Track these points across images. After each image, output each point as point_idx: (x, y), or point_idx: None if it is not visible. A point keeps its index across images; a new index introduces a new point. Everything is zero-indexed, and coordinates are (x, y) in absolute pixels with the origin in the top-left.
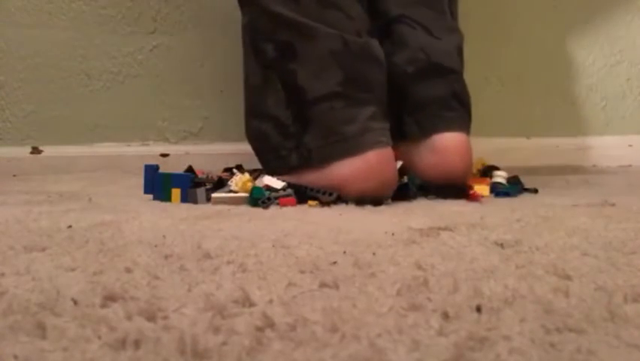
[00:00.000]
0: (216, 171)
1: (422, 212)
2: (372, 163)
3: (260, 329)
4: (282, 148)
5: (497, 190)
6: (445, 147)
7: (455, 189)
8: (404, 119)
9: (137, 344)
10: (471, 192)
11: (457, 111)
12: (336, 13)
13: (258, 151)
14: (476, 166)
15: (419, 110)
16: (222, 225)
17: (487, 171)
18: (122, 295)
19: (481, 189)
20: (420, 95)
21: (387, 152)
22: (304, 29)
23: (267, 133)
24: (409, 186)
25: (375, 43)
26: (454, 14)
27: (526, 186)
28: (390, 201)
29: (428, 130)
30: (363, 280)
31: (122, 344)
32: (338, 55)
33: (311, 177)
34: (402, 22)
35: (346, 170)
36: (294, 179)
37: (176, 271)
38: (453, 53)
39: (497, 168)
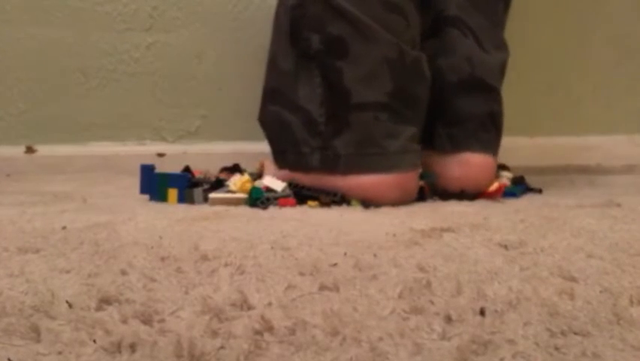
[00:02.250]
0: (214, 170)
1: (424, 213)
2: (402, 183)
3: (258, 333)
4: (305, 145)
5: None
6: (472, 164)
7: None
8: (437, 130)
9: (132, 347)
10: (491, 190)
11: (490, 133)
12: (398, 18)
13: (274, 140)
14: None
15: (454, 124)
16: (220, 226)
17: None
18: (118, 297)
19: (494, 186)
20: (458, 108)
21: (417, 173)
22: (363, 29)
23: (290, 124)
24: (424, 188)
25: (424, 59)
26: (504, 27)
27: (531, 186)
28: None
29: (460, 147)
30: (364, 283)
31: (117, 347)
32: (392, 64)
33: (328, 181)
34: (455, 26)
35: (373, 183)
36: (307, 179)
37: (172, 273)
38: (496, 70)
39: (506, 167)
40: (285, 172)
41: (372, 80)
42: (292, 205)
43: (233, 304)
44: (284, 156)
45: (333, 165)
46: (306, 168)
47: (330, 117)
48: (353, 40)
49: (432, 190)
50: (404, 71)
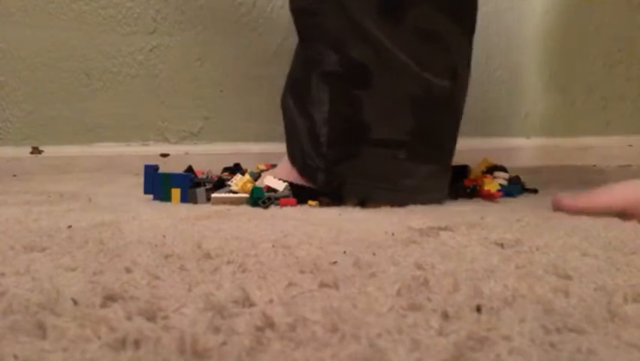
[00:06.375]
0: (216, 171)
1: (422, 212)
2: None
3: (260, 329)
4: (310, 159)
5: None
6: None
7: (468, 189)
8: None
9: (137, 344)
10: (485, 190)
11: None
12: (435, 47)
13: (287, 135)
14: (481, 167)
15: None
16: (222, 225)
17: (491, 171)
18: (122, 295)
19: (492, 186)
20: None
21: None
22: (389, 59)
23: (299, 128)
24: None
25: (459, 88)
26: None
27: (527, 187)
28: None
29: None
30: (363, 280)
31: (122, 344)
32: (418, 102)
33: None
34: None
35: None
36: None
37: (176, 271)
38: None
39: (503, 169)
40: (296, 174)
41: (394, 117)
42: (293, 205)
43: (235, 302)
44: (294, 157)
45: (337, 188)
46: (313, 181)
47: (337, 142)
48: (377, 70)
49: None
50: (431, 109)
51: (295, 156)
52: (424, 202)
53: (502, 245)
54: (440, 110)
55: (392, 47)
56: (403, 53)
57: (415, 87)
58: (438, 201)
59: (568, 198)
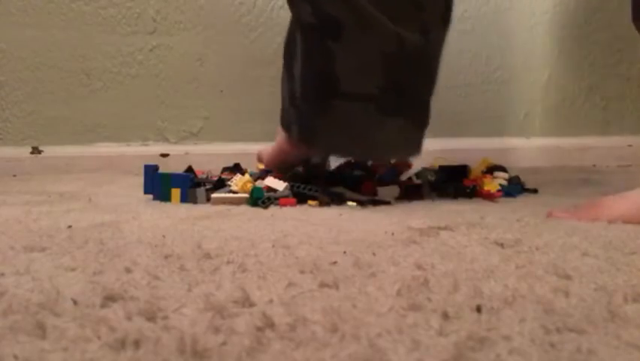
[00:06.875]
0: (216, 171)
1: (422, 212)
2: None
3: (260, 329)
4: (288, 113)
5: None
6: None
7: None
8: None
9: (136, 344)
10: (485, 190)
11: None
12: (407, 4)
13: (282, 94)
14: (481, 167)
15: None
16: (222, 225)
17: (491, 171)
18: (122, 295)
19: (492, 186)
20: None
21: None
22: (362, 16)
23: (284, 89)
24: (423, 187)
25: (437, 41)
26: None
27: (526, 186)
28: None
29: None
30: (363, 280)
31: (121, 344)
32: (389, 57)
33: (304, 150)
34: None
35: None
36: (291, 143)
37: (175, 271)
38: None
39: (503, 169)
40: (283, 135)
41: (365, 72)
42: (292, 205)
43: (235, 302)
44: (281, 116)
45: (309, 142)
46: (289, 134)
47: (310, 95)
48: (350, 27)
49: (432, 189)
50: (403, 64)
51: (282, 110)
52: (395, 157)
53: (502, 245)
54: (412, 64)
55: (364, 1)
56: (374, 6)
57: (386, 41)
58: (410, 156)
59: (563, 213)
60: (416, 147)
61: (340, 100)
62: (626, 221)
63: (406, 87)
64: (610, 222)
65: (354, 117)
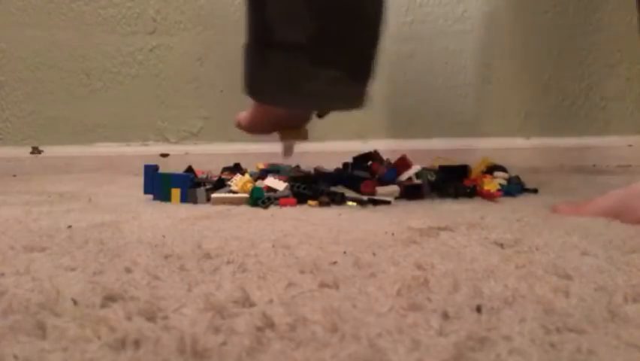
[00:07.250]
0: (216, 171)
1: (422, 212)
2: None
3: (260, 329)
4: (245, 69)
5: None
6: None
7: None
8: None
9: (136, 344)
10: (485, 190)
11: None
12: None
13: None
14: (481, 167)
15: None
16: (222, 225)
17: (491, 171)
18: (122, 295)
19: (492, 186)
20: None
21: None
22: None
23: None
24: (423, 187)
25: None
26: None
27: (526, 186)
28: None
29: None
30: (363, 280)
31: (121, 344)
32: (315, 3)
33: (260, 109)
34: None
35: (286, 117)
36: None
37: (175, 271)
38: None
39: (503, 168)
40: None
41: (292, 20)
42: (292, 205)
43: (235, 302)
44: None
45: (255, 94)
46: (244, 90)
47: (251, 49)
48: None
49: (432, 189)
50: (331, 10)
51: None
52: (330, 109)
53: (502, 245)
54: (345, 15)
55: None
56: None
57: None
58: (346, 109)
59: (566, 207)
60: (357, 100)
61: (275, 50)
62: (620, 214)
63: (340, 37)
64: (607, 215)
65: (287, 68)
